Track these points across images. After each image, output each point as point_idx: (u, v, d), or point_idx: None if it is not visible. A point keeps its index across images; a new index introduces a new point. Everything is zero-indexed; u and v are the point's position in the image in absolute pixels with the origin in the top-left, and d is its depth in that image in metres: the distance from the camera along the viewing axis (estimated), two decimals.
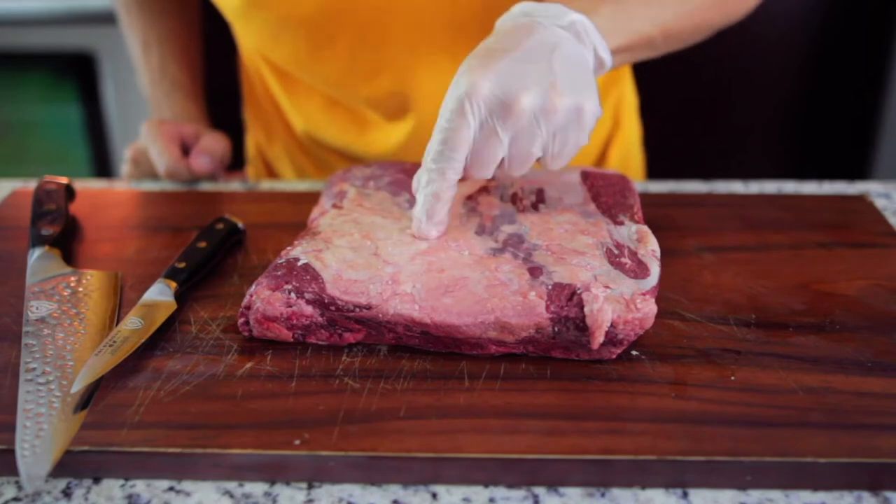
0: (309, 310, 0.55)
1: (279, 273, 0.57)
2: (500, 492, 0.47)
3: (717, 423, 0.49)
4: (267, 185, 0.86)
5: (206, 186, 0.85)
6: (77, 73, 1.91)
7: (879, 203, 0.77)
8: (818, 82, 1.91)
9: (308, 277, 0.56)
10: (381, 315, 0.54)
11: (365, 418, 0.49)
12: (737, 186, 0.82)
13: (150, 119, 0.93)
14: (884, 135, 1.93)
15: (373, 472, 0.48)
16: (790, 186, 0.82)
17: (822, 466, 0.47)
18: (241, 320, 0.56)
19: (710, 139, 1.94)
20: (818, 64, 1.90)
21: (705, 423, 0.49)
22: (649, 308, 0.53)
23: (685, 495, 0.47)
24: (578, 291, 0.54)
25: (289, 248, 0.60)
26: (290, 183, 0.87)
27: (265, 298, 0.55)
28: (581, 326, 0.53)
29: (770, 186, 0.82)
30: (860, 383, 0.52)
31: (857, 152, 1.98)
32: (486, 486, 0.48)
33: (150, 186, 0.85)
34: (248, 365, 0.54)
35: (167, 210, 0.78)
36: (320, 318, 0.55)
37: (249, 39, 0.90)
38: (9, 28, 1.85)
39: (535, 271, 0.56)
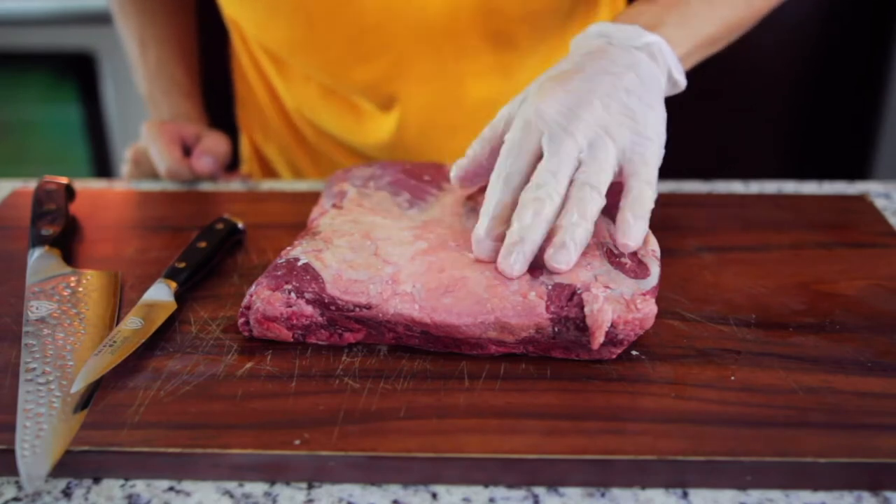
0: (309, 310, 0.55)
1: (279, 273, 0.57)
2: (500, 492, 0.47)
3: (717, 423, 0.49)
4: (267, 185, 0.86)
5: (206, 186, 0.85)
6: (77, 73, 1.91)
7: (879, 203, 0.77)
8: (818, 82, 1.91)
9: (308, 277, 0.56)
10: (381, 315, 0.54)
11: (365, 418, 0.49)
12: (737, 186, 0.82)
13: (149, 119, 0.93)
14: (884, 135, 1.93)
15: (373, 472, 0.48)
16: (790, 186, 0.82)
17: (822, 466, 0.47)
18: (241, 320, 0.56)
19: (710, 139, 1.93)
20: (818, 64, 1.90)
21: (705, 423, 0.49)
22: (649, 308, 0.53)
23: (685, 495, 0.47)
24: (578, 291, 0.54)
25: (289, 248, 0.60)
26: (291, 183, 0.87)
27: (265, 298, 0.55)
28: (581, 326, 0.53)
29: (770, 186, 0.82)
30: (860, 383, 0.52)
31: (857, 152, 1.98)
32: (486, 486, 0.48)
33: (150, 186, 0.85)
34: (248, 365, 0.54)
35: (167, 210, 0.78)
36: (320, 318, 0.55)
37: (246, 24, 0.90)
38: (9, 28, 1.85)
39: (535, 271, 0.56)
